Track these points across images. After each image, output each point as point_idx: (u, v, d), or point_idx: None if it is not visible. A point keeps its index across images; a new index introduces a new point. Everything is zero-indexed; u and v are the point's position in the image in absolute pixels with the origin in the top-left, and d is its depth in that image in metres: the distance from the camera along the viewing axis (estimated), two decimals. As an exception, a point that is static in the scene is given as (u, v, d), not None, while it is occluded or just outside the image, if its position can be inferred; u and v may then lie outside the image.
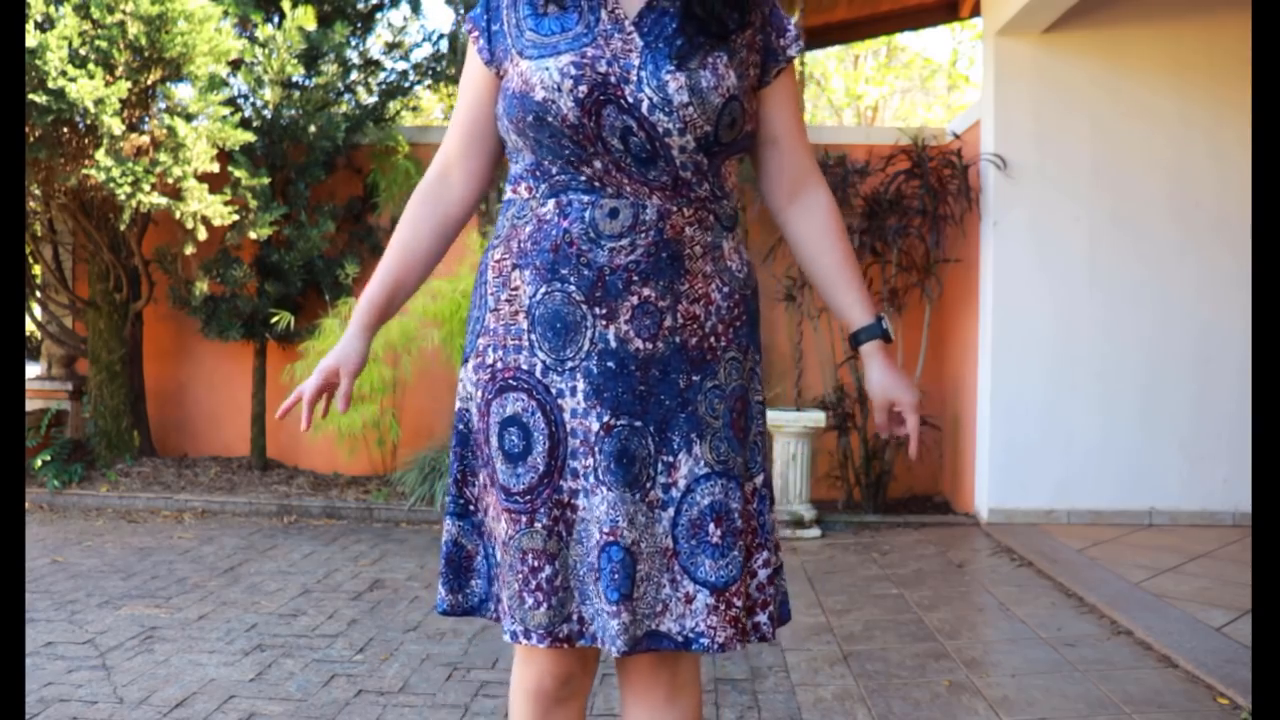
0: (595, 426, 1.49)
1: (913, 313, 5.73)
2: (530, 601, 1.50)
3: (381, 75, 6.38)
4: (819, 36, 7.00)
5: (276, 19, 5.82)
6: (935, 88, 14.28)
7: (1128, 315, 5.16)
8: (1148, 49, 5.16)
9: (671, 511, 1.51)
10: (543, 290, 1.51)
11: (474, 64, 1.61)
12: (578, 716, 1.68)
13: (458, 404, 1.63)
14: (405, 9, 6.45)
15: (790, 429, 5.10)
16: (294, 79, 5.83)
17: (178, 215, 5.22)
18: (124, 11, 4.93)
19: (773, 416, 5.13)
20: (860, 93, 13.51)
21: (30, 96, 4.70)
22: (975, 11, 5.93)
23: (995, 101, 5.21)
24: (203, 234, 5.31)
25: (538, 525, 1.50)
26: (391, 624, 3.64)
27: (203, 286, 5.80)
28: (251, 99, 5.81)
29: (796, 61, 1.69)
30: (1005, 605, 3.84)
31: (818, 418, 5.13)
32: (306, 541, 4.94)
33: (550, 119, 1.48)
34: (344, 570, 4.39)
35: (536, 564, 1.50)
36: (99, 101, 4.80)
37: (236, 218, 5.45)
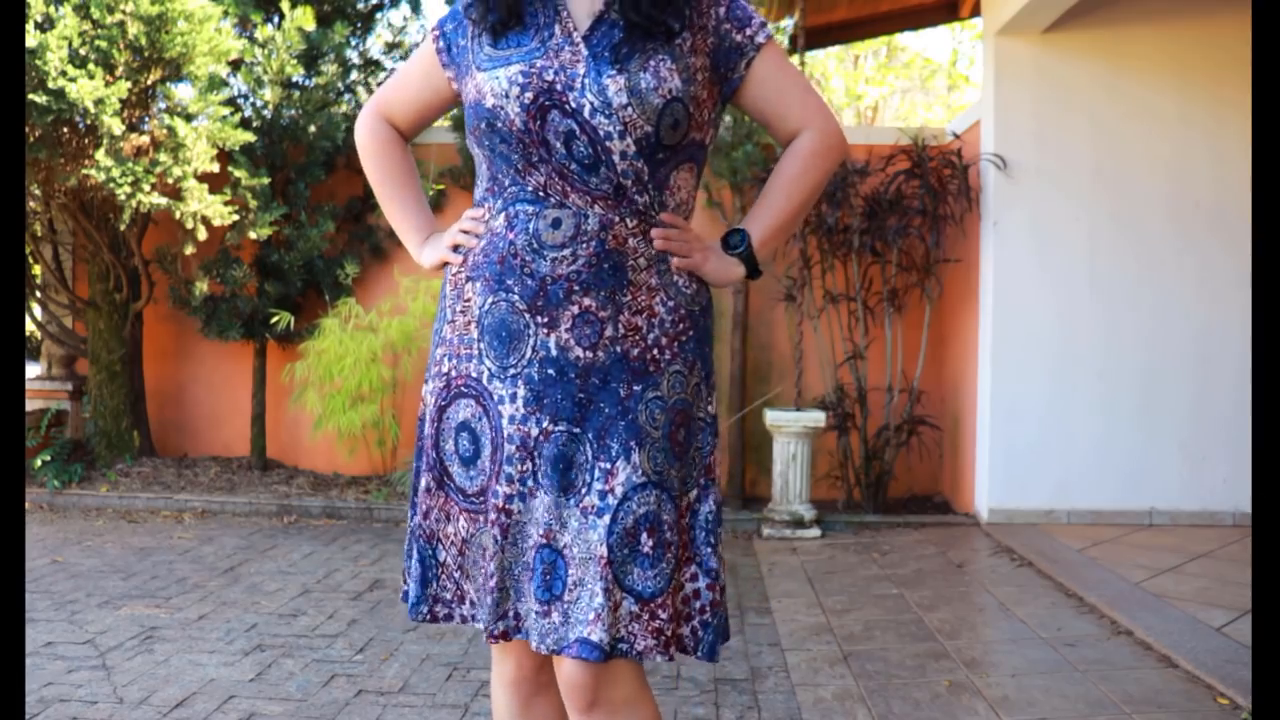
0: (534, 431, 1.54)
1: (913, 313, 5.73)
2: (485, 597, 1.58)
3: (382, 75, 6.37)
4: (819, 36, 7.00)
5: (276, 19, 5.82)
6: (935, 88, 14.27)
7: (1128, 315, 5.16)
8: (1148, 49, 5.16)
9: (607, 519, 1.52)
10: (490, 300, 1.58)
11: (424, 60, 1.72)
12: (557, 703, 1.73)
13: (419, 416, 1.71)
14: (405, 9, 6.46)
15: (790, 429, 5.10)
16: (294, 79, 5.83)
17: (178, 215, 5.22)
18: (124, 11, 4.93)
19: (773, 416, 5.13)
20: (860, 93, 13.50)
21: (30, 96, 4.70)
22: (975, 11, 5.93)
23: (995, 101, 5.21)
24: (203, 234, 5.31)
25: (487, 524, 1.58)
26: (391, 624, 3.64)
27: (203, 286, 5.80)
28: (251, 99, 5.81)
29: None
30: (1005, 605, 3.84)
31: (818, 418, 5.13)
32: (306, 541, 4.94)
33: (499, 124, 1.55)
34: (344, 570, 4.39)
35: (483, 562, 1.59)
36: (99, 101, 4.80)
37: (236, 218, 5.45)
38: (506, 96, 1.53)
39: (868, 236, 5.47)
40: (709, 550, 1.59)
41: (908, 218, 5.38)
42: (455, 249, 1.65)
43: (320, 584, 4.17)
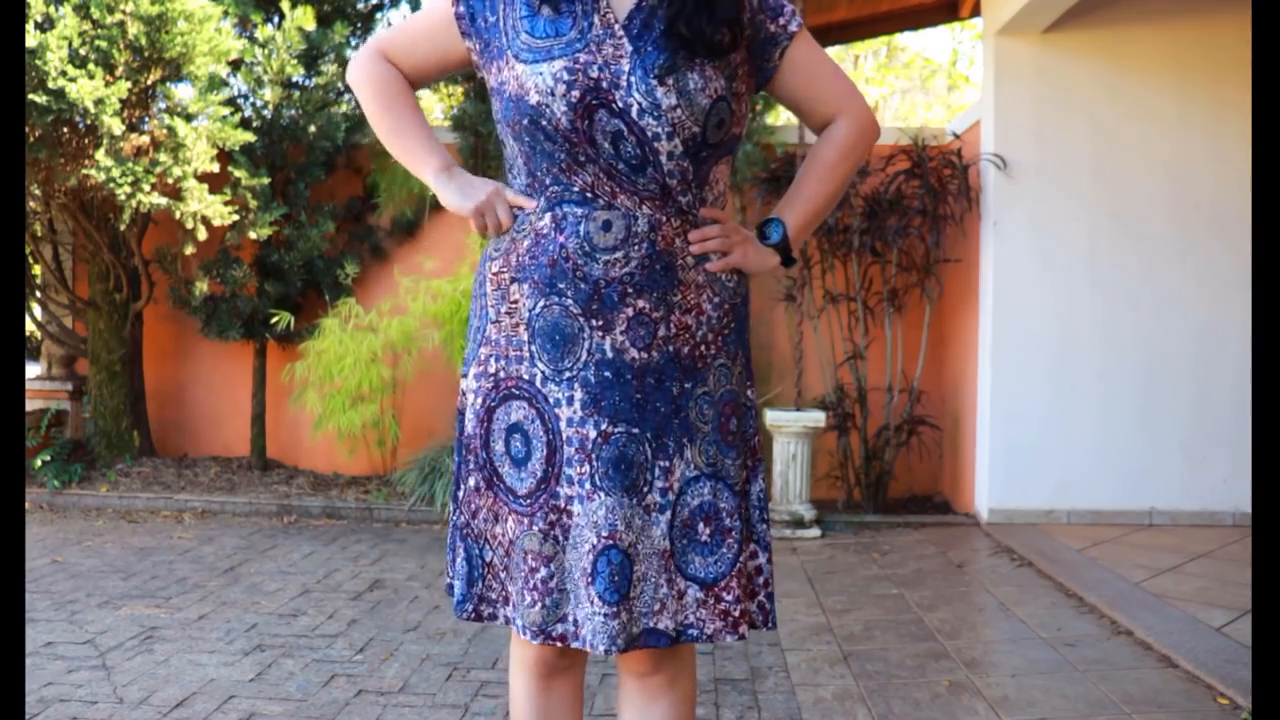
0: (593, 434, 1.54)
1: (913, 313, 5.73)
2: (528, 600, 1.57)
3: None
4: (819, 36, 6.99)
5: (276, 19, 5.82)
6: (935, 88, 14.28)
7: (1128, 315, 5.16)
8: (1148, 49, 5.16)
9: (669, 514, 1.56)
10: (541, 304, 1.56)
11: (448, 29, 1.63)
12: (576, 685, 1.75)
13: (458, 408, 1.68)
14: (405, 9, 6.45)
15: (790, 429, 5.10)
16: (294, 79, 5.83)
17: (178, 215, 5.22)
18: (124, 11, 4.93)
19: (772, 416, 5.13)
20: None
21: (30, 96, 4.70)
22: (975, 11, 5.93)
23: (995, 101, 5.21)
24: (203, 234, 5.30)
25: (535, 528, 1.57)
26: (391, 624, 3.64)
27: (203, 286, 5.80)
28: (251, 99, 5.81)
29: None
30: (1005, 605, 3.84)
31: (818, 418, 5.13)
32: (306, 541, 4.94)
33: (544, 122, 1.52)
34: (344, 570, 4.39)
35: (534, 565, 1.56)
36: (99, 101, 4.80)
37: (236, 218, 5.45)
38: (552, 94, 1.50)
39: (868, 236, 5.47)
40: (763, 527, 1.65)
41: (908, 218, 5.38)
42: (511, 212, 1.59)
43: (320, 584, 4.16)
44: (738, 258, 1.63)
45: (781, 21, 1.63)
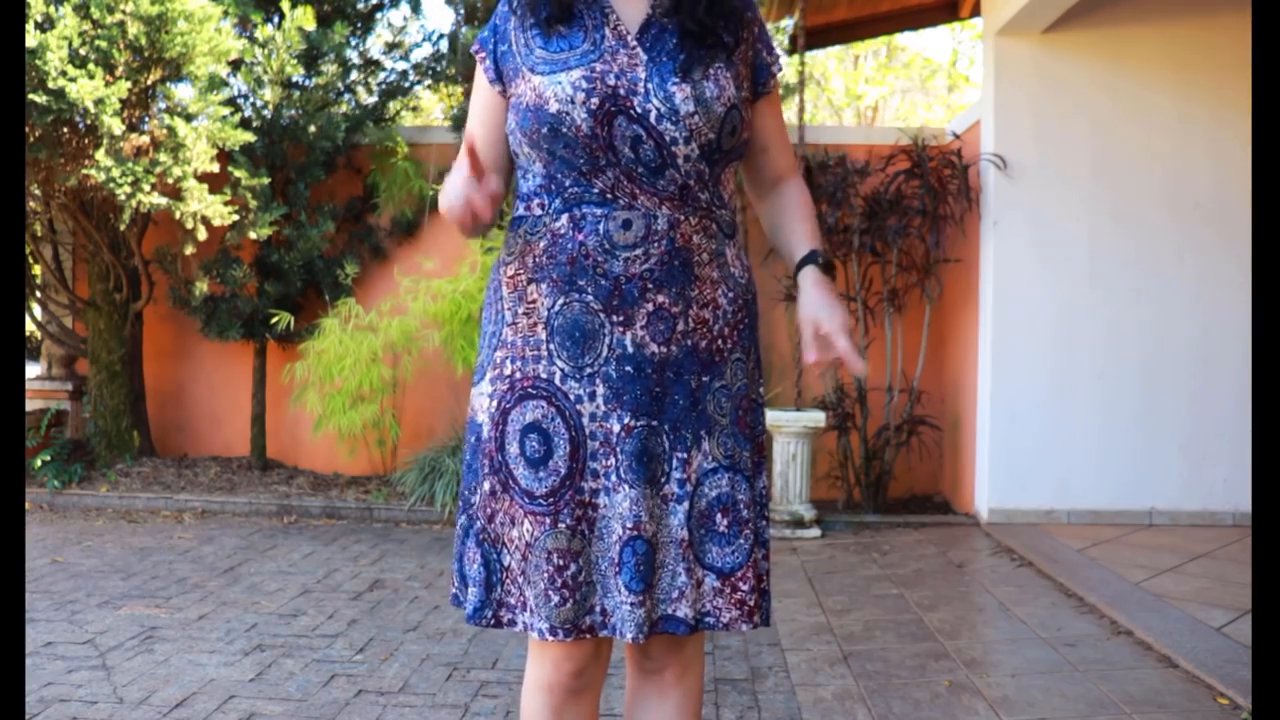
0: (616, 428, 1.57)
1: (913, 313, 5.73)
2: (556, 599, 1.57)
3: (381, 75, 6.38)
4: (819, 36, 6.99)
5: (276, 19, 5.82)
6: (935, 88, 14.27)
7: (1128, 315, 5.16)
8: (1148, 49, 5.16)
9: (686, 505, 1.59)
10: (561, 301, 1.58)
11: (482, 85, 1.70)
12: (591, 710, 1.72)
13: (470, 417, 1.68)
14: (405, 9, 6.46)
15: (790, 429, 5.10)
16: (294, 79, 5.83)
17: (178, 215, 5.22)
18: (124, 11, 4.93)
19: (773, 416, 5.13)
20: (860, 93, 13.51)
21: (30, 96, 4.70)
22: (975, 11, 5.93)
23: (995, 101, 5.21)
24: (203, 234, 5.31)
25: (562, 525, 1.57)
26: (391, 624, 3.64)
27: (203, 286, 5.80)
28: (251, 99, 5.81)
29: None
30: (1005, 605, 3.85)
31: (818, 418, 5.13)
32: (306, 541, 4.94)
33: (565, 130, 1.55)
34: (344, 570, 4.39)
35: (562, 563, 1.57)
36: (99, 101, 4.80)
37: (236, 218, 5.45)
38: (572, 102, 1.53)
39: (868, 236, 5.47)
40: (764, 524, 1.68)
41: (908, 218, 5.38)
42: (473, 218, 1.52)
43: (320, 584, 4.17)
44: (842, 317, 1.69)
45: (770, 58, 1.71)
